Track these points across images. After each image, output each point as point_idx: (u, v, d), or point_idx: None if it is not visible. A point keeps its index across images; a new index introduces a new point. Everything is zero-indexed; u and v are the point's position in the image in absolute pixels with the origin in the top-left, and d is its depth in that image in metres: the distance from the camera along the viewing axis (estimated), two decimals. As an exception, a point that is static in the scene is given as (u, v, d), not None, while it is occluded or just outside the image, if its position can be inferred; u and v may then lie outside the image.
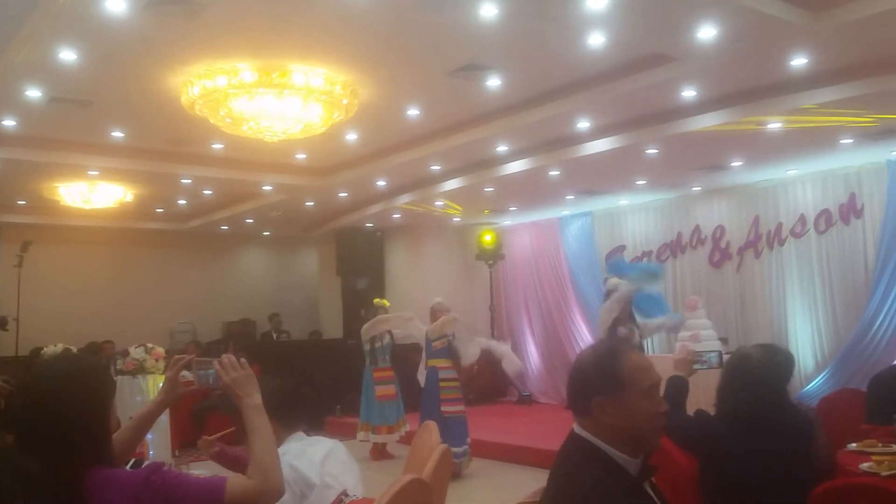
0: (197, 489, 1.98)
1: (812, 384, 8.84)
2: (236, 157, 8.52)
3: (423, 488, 2.58)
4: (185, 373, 2.42)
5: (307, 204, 10.97)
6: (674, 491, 2.97)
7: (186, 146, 8.11)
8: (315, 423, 2.89)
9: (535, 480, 2.22)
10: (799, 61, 5.67)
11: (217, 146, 8.04)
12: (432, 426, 3.56)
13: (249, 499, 2.03)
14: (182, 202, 11.25)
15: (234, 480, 2.06)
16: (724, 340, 8.88)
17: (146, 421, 2.44)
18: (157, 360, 7.03)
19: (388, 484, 2.58)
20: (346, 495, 2.80)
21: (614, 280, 7.29)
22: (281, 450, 2.79)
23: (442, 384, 7.30)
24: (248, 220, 12.46)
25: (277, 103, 5.94)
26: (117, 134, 7.55)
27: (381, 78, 6.10)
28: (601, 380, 1.91)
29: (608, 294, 7.23)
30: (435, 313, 7.65)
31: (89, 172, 8.69)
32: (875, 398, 4.25)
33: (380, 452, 8.13)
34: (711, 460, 3.02)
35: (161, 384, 2.54)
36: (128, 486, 1.89)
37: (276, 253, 15.24)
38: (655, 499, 1.98)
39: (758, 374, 3.04)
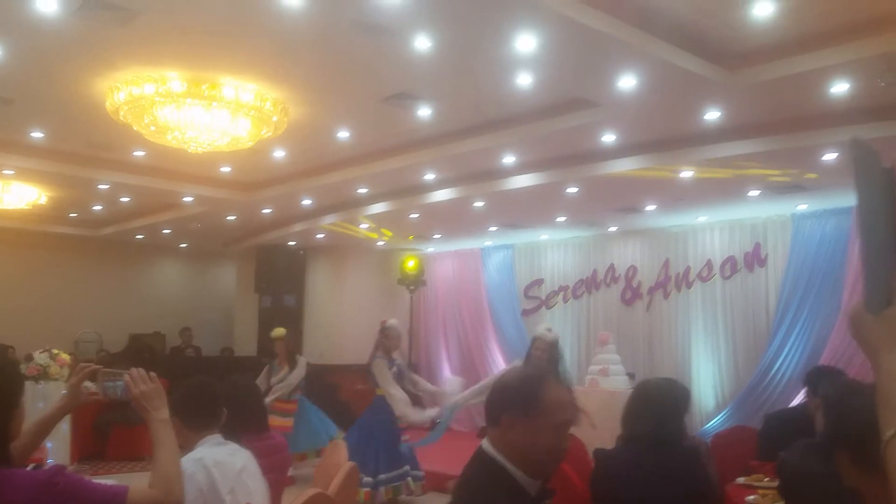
0: (99, 494, 1.98)
1: (711, 422, 9.20)
2: (158, 165, 8.37)
3: (326, 502, 2.62)
4: (87, 383, 2.40)
5: (228, 218, 10.83)
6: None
7: (107, 151, 7.92)
8: (235, 428, 2.88)
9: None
10: (712, 115, 6.00)
11: (139, 153, 7.88)
12: (340, 445, 3.59)
13: None
14: (97, 208, 10.92)
15: (136, 489, 2.07)
16: (631, 375, 9.18)
17: (45, 426, 2.41)
18: (61, 367, 6.79)
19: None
20: (246, 512, 2.79)
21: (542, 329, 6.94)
22: (197, 453, 2.83)
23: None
24: (165, 231, 12.17)
25: (205, 115, 5.90)
26: (37, 134, 7.32)
27: (312, 98, 6.15)
28: (519, 399, 1.96)
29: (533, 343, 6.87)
30: (388, 338, 7.01)
31: (4, 172, 8.37)
32: (766, 436, 4.50)
33: None
34: (605, 481, 3.14)
35: (63, 390, 2.51)
36: (28, 486, 1.87)
37: (192, 266, 14.90)
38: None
39: (657, 400, 3.20)
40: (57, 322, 12.03)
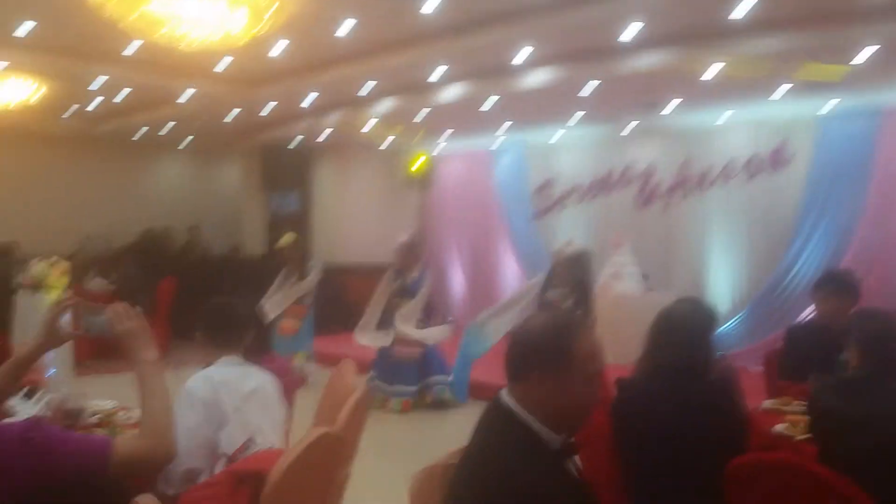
0: (80, 447, 1.80)
1: (725, 326, 9.06)
2: (155, 60, 7.94)
3: (334, 442, 2.45)
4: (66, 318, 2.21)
5: (230, 115, 10.44)
6: (588, 448, 2.92)
7: (100, 44, 7.50)
8: (255, 351, 2.96)
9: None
10: (747, 4, 5.52)
11: (132, 48, 7.45)
12: (348, 367, 3.41)
13: (138, 460, 1.87)
14: (94, 105, 10.51)
15: (123, 440, 1.91)
16: (646, 277, 9.01)
17: (23, 365, 2.21)
18: (60, 275, 6.63)
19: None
20: (254, 443, 2.66)
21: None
22: (209, 370, 2.77)
23: None
24: (165, 128, 11.80)
25: (197, 7, 5.47)
26: (27, 26, 6.90)
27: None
28: (550, 355, 1.81)
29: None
30: (407, 252, 7.42)
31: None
32: (789, 354, 4.32)
33: None
34: (628, 410, 2.95)
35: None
36: (1, 442, 1.71)
37: (197, 164, 14.57)
38: (575, 473, 1.92)
39: (683, 327, 2.97)
40: (63, 219, 11.85)
